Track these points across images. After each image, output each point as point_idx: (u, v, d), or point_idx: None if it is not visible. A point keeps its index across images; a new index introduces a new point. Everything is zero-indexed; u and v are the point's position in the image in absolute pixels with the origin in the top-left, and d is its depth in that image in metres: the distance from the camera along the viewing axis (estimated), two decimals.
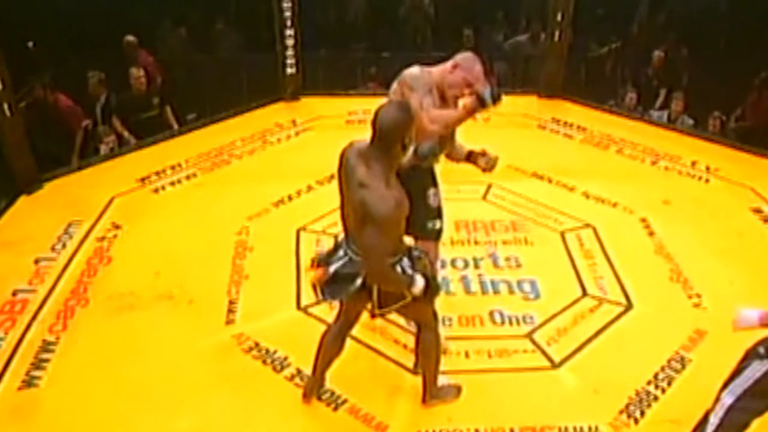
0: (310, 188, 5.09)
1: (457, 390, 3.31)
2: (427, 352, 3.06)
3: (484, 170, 3.39)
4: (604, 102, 6.92)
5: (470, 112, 3.12)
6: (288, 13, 6.39)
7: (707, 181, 5.43)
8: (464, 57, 3.18)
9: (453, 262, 4.31)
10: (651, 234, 4.66)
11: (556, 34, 6.61)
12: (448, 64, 3.21)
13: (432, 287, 2.76)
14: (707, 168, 5.56)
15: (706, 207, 5.02)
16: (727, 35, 7.57)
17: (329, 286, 2.74)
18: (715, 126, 6.39)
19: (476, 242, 4.49)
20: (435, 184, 3.36)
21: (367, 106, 6.31)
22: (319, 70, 7.32)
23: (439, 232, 3.40)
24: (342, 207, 2.73)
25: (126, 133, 6.03)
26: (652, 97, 7.16)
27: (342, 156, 2.65)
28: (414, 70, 3.20)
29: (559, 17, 6.53)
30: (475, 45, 7.54)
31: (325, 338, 3.12)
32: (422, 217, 3.24)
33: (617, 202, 5.02)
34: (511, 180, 5.18)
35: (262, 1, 6.80)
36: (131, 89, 6.17)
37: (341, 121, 6.28)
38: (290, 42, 6.52)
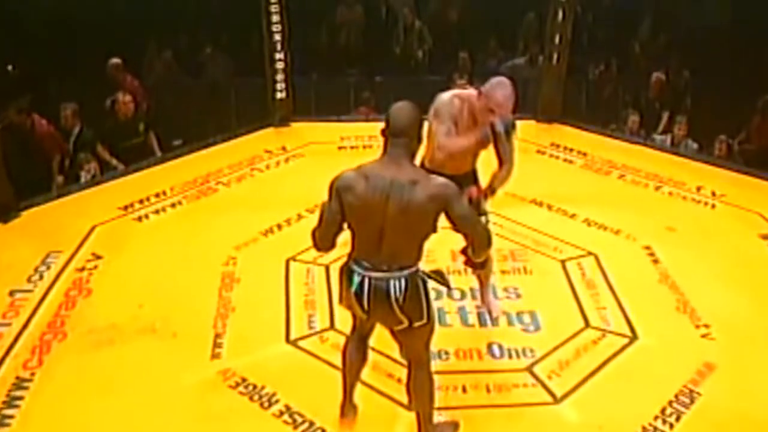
0: (300, 217, 5.07)
1: (454, 427, 3.26)
2: (420, 391, 3.01)
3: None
4: (605, 126, 6.97)
5: (479, 143, 3.43)
6: (278, 37, 6.43)
7: (713, 206, 5.44)
8: (490, 83, 3.37)
9: (449, 293, 4.27)
10: (655, 262, 4.65)
11: (554, 56, 6.67)
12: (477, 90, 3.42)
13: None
14: (713, 193, 5.57)
15: (713, 234, 5.02)
16: (730, 57, 7.65)
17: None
18: (721, 150, 6.44)
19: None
20: (475, 183, 3.62)
21: (360, 132, 6.45)
22: (311, 95, 7.40)
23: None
24: (366, 232, 2.71)
25: (114, 161, 6.03)
26: (654, 121, 7.23)
27: (356, 182, 2.65)
28: (444, 97, 3.46)
29: (557, 40, 6.60)
30: (471, 68, 7.62)
31: (347, 351, 3.11)
32: None
33: (620, 229, 5.02)
34: (509, 207, 5.16)
35: (251, 24, 6.88)
36: (117, 115, 6.18)
37: (333, 147, 6.30)
38: (280, 66, 6.56)
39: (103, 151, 6.08)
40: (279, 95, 6.66)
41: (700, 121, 6.94)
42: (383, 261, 2.72)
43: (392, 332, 2.92)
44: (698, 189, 5.65)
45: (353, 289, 2.77)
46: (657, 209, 5.40)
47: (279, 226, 5.02)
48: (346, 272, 2.83)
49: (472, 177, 3.67)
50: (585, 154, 6.28)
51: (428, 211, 2.64)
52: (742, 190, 5.61)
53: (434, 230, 2.74)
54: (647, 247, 4.80)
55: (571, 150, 6.34)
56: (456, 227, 2.75)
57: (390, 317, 2.79)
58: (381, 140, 2.71)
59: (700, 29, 8.34)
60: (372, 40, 8.73)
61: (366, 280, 2.75)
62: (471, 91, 3.47)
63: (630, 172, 5.97)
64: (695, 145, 6.75)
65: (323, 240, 2.80)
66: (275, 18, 6.35)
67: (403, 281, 2.72)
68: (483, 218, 3.58)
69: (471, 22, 8.80)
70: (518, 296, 4.29)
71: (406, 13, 8.63)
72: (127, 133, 6.18)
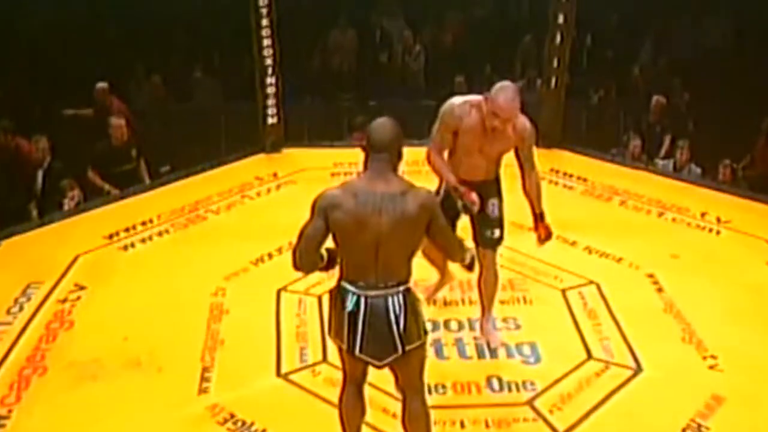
0: (292, 245, 5.04)
1: None
2: (416, 424, 2.99)
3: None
4: (606, 151, 7.00)
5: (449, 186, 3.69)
6: (269, 61, 6.46)
7: (718, 233, 5.44)
8: (494, 87, 3.53)
9: (447, 324, 4.26)
10: (660, 291, 4.64)
11: (553, 80, 6.72)
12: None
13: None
14: (718, 219, 5.58)
15: (718, 261, 5.02)
16: (733, 79, 7.71)
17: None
18: (726, 174, 6.46)
19: (471, 302, 4.42)
20: (497, 195, 3.84)
21: (354, 158, 6.39)
22: (303, 120, 7.42)
23: (498, 240, 3.91)
24: (360, 249, 2.73)
25: (107, 186, 6.03)
26: (656, 145, 7.27)
27: (344, 200, 2.70)
28: (453, 101, 3.68)
29: (555, 63, 6.65)
30: (468, 92, 7.66)
31: (344, 406, 3.05)
32: (483, 225, 3.81)
33: (622, 257, 5.02)
34: (508, 235, 5.13)
35: (241, 49, 6.93)
36: (110, 139, 6.19)
37: (326, 174, 6.26)
38: (271, 91, 6.58)
39: (94, 177, 6.09)
40: (270, 120, 6.68)
41: (703, 146, 6.98)
42: (379, 278, 2.74)
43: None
44: (702, 215, 5.66)
45: (348, 309, 2.76)
46: (660, 236, 5.40)
47: (270, 255, 5.00)
48: (338, 294, 2.82)
49: (495, 186, 3.85)
50: (585, 180, 6.30)
51: (420, 220, 2.73)
52: (748, 215, 5.62)
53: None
54: (651, 276, 4.79)
55: (571, 176, 6.35)
56: (434, 237, 2.83)
57: (384, 341, 2.77)
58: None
59: (701, 51, 8.42)
60: (366, 64, 8.80)
61: (362, 300, 2.74)
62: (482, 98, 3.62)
63: (632, 198, 5.99)
64: (698, 170, 6.79)
65: (304, 258, 2.79)
66: (266, 42, 6.39)
67: (401, 297, 2.76)
68: (497, 231, 3.89)
69: (467, 46, 8.87)
70: (518, 327, 4.26)
71: (407, 36, 8.69)
72: (119, 158, 6.20)
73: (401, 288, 2.77)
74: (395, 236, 2.69)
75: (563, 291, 4.62)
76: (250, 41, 6.41)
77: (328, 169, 6.35)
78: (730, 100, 7.35)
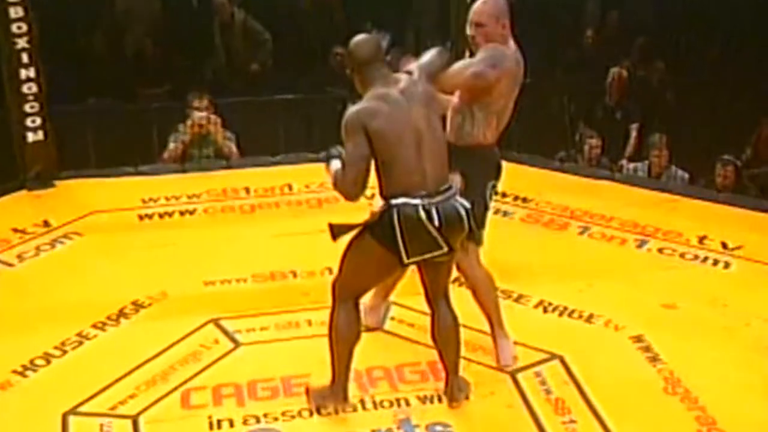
0: (83, 338, 4.92)
1: (468, 384, 4.39)
2: (449, 334, 4.20)
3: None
4: (551, 156, 7.16)
5: None
6: (23, 42, 6.40)
7: (727, 265, 5.59)
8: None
9: None
10: (654, 360, 4.66)
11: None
12: None
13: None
14: (724, 245, 5.76)
15: (733, 307, 5.11)
16: (724, 37, 7.95)
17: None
18: (727, 177, 6.62)
19: (375, 404, 4.34)
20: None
21: (174, 189, 6.29)
22: (86, 134, 7.35)
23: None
24: (405, 154, 3.89)
25: None
26: (621, 140, 7.42)
27: (380, 107, 3.85)
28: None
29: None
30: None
31: (343, 327, 4.10)
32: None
33: (594, 313, 5.07)
34: (419, 293, 5.01)
35: None
36: None
37: (131, 217, 6.27)
38: (30, 88, 6.53)
39: None
40: (32, 136, 6.65)
41: (686, 137, 7.17)
42: (432, 184, 3.89)
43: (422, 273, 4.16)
44: (701, 240, 5.83)
45: (436, 221, 3.84)
46: (644, 278, 5.50)
47: (46, 359, 4.79)
48: (409, 212, 3.82)
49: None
50: (526, 200, 6.45)
51: (434, 93, 4.07)
52: (766, 235, 5.80)
53: None
54: (638, 338, 4.83)
55: (505, 195, 6.40)
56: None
57: (460, 235, 4.00)
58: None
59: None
60: (181, 41, 8.79)
61: (439, 209, 3.86)
62: None
63: (596, 221, 6.14)
64: (686, 175, 6.93)
65: (359, 182, 3.83)
66: (15, 11, 6.34)
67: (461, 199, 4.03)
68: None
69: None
70: None
71: (222, 2, 8.64)
72: None
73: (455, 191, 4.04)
74: (429, 126, 3.93)
75: (512, 374, 4.57)
76: None
77: (133, 209, 6.36)
78: (721, 68, 7.57)
